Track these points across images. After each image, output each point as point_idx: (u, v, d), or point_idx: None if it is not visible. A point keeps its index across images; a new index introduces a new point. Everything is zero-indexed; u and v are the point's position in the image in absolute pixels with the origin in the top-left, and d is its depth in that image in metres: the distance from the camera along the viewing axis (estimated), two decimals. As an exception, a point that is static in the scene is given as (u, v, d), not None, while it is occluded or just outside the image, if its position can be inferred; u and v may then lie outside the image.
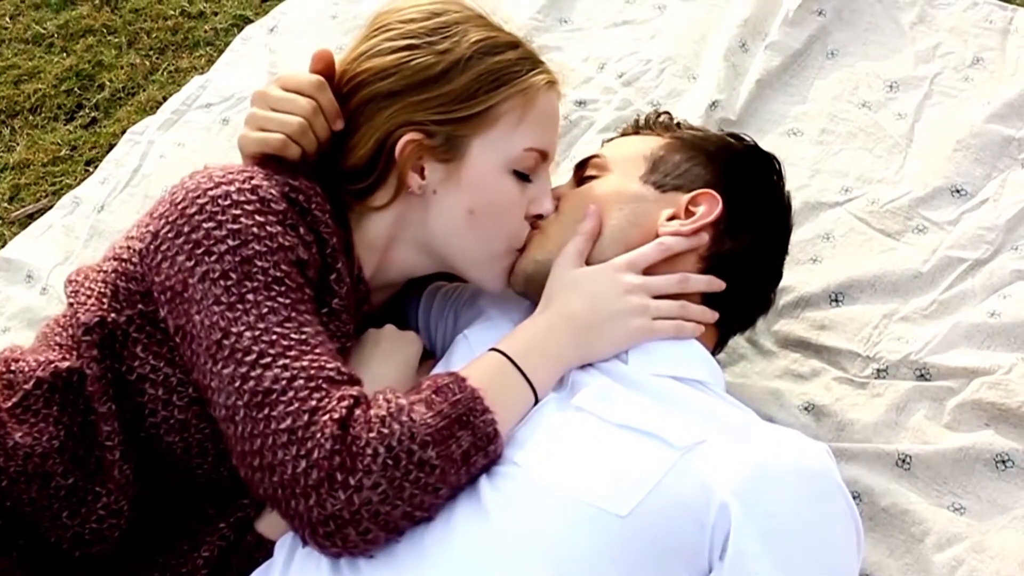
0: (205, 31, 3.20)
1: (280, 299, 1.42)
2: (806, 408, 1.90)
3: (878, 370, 1.94)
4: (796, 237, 1.77)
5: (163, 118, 2.67)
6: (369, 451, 1.31)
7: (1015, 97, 2.35)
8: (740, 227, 1.65)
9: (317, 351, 1.40)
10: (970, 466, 1.77)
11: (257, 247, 1.44)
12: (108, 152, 2.69)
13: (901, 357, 1.94)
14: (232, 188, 1.48)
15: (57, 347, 1.56)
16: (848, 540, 1.36)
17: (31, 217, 2.67)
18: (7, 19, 3.34)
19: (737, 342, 2.01)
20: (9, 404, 1.50)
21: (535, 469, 1.38)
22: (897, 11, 2.62)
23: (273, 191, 1.50)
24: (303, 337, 1.40)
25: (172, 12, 3.27)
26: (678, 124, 1.81)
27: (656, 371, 1.52)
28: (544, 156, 1.66)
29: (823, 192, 2.27)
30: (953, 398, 1.86)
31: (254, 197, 1.48)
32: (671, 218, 1.64)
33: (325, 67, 1.64)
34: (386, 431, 1.32)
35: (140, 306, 1.51)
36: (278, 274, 1.44)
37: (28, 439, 1.47)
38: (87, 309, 1.53)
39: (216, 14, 3.25)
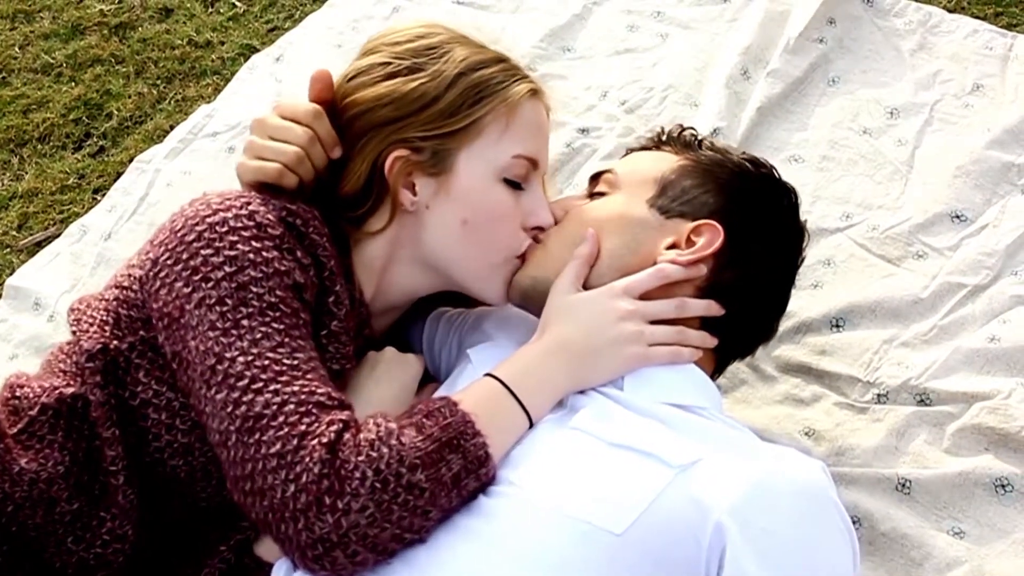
0: (212, 60, 3.22)
1: (274, 324, 1.43)
2: (806, 433, 1.91)
3: (878, 395, 1.94)
4: (797, 262, 1.77)
5: (170, 147, 2.69)
6: (357, 474, 1.32)
7: (1015, 123, 2.36)
8: (742, 259, 1.63)
9: (308, 376, 1.41)
10: (970, 490, 1.78)
11: (253, 273, 1.45)
12: (115, 181, 2.71)
13: (901, 382, 1.95)
14: (229, 215, 1.50)
15: (61, 374, 1.58)
16: (844, 556, 1.36)
17: (39, 245, 2.69)
18: (16, 49, 3.37)
19: (738, 367, 2.01)
20: (15, 430, 1.52)
21: (531, 488, 1.39)
22: (897, 39, 2.64)
23: (270, 216, 1.52)
24: (295, 363, 1.41)
25: (179, 42, 3.30)
26: (700, 142, 1.76)
27: (653, 399, 1.52)
28: (535, 164, 1.67)
29: (824, 218, 2.28)
30: (953, 423, 1.87)
31: (251, 223, 1.49)
32: (671, 247, 1.62)
33: (324, 88, 1.66)
34: (375, 454, 1.33)
35: (142, 332, 1.53)
36: (273, 299, 1.45)
37: (34, 465, 1.48)
38: (89, 336, 1.55)
39: (223, 43, 3.27)
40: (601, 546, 1.30)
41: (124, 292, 1.57)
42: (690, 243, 1.62)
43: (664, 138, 1.79)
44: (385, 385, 1.65)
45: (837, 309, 2.09)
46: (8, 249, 2.74)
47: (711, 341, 1.62)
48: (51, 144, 3.04)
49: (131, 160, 2.76)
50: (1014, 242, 2.14)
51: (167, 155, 2.67)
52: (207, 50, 3.26)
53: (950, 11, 2.72)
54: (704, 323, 1.63)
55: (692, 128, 1.80)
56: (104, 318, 1.57)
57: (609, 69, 2.70)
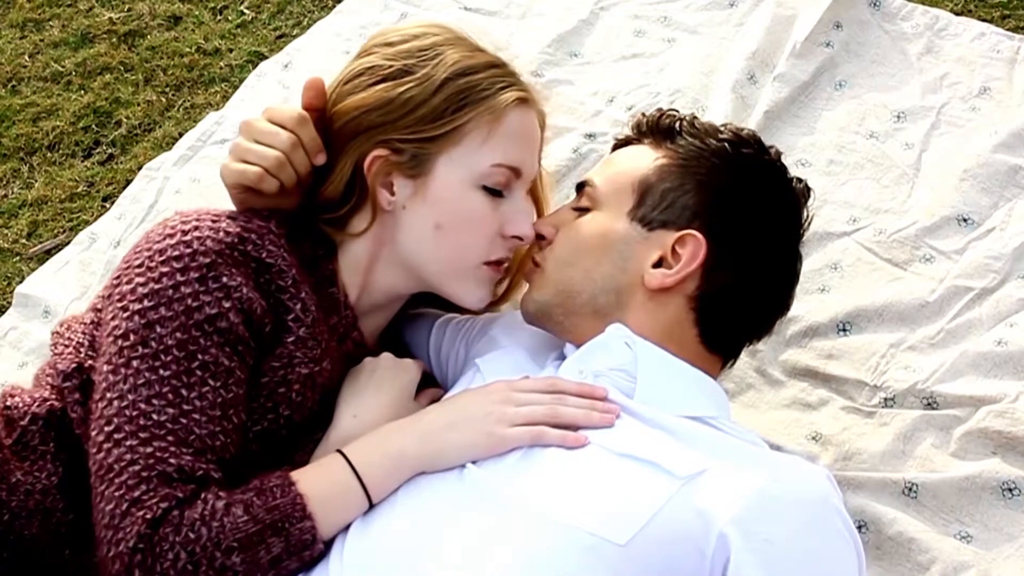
0: (220, 68, 3.23)
1: (162, 371, 1.43)
2: (813, 437, 1.91)
3: (885, 399, 1.95)
4: (804, 267, 1.75)
5: (179, 154, 2.70)
6: (171, 555, 1.34)
7: (1022, 127, 2.36)
8: (732, 257, 1.60)
9: (168, 439, 1.40)
10: (977, 494, 1.78)
11: (164, 312, 1.46)
12: (125, 188, 2.72)
13: (908, 386, 1.95)
14: (170, 243, 1.50)
15: (50, 387, 1.60)
16: (848, 564, 1.36)
17: (49, 253, 2.69)
18: (26, 57, 3.38)
19: (745, 371, 2.02)
20: (10, 441, 1.53)
21: (534, 498, 1.38)
22: (904, 42, 2.63)
23: (208, 243, 1.50)
24: (163, 419, 1.41)
25: (188, 49, 3.30)
26: (681, 125, 1.69)
27: (662, 409, 1.50)
28: (516, 173, 1.66)
29: (831, 222, 2.27)
30: (960, 427, 1.87)
31: (188, 251, 1.49)
32: (657, 263, 1.59)
33: (315, 95, 1.66)
34: (193, 535, 1.35)
35: None
36: (171, 342, 1.45)
37: (29, 477, 1.50)
38: (64, 358, 1.57)
39: (231, 51, 3.28)
40: (604, 557, 1.30)
41: (98, 315, 1.59)
42: (676, 256, 1.59)
43: (644, 128, 1.74)
44: (385, 391, 1.65)
45: (844, 313, 2.09)
46: (18, 257, 2.75)
47: (608, 420, 1.49)
48: (60, 152, 3.04)
49: (140, 168, 2.77)
50: (1021, 245, 2.14)
51: (176, 162, 2.68)
52: (215, 57, 3.27)
53: (957, 14, 2.71)
54: (703, 314, 1.60)
55: (672, 110, 1.74)
56: (80, 340, 1.60)
57: (616, 74, 2.70)
